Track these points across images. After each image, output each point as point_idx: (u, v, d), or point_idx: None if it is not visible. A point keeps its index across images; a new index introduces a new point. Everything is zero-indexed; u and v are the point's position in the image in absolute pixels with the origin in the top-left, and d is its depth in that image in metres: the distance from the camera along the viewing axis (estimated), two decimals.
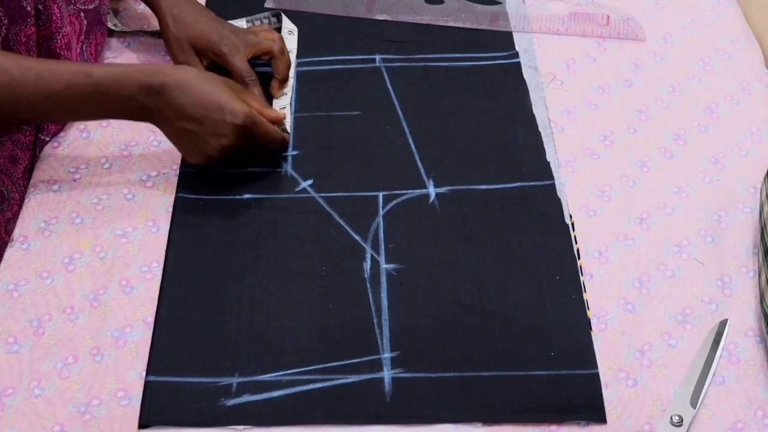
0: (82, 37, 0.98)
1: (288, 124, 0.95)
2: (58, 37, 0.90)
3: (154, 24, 1.03)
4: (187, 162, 0.93)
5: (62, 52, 0.91)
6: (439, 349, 0.79)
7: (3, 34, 0.86)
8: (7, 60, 0.82)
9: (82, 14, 0.97)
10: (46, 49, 0.90)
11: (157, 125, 0.87)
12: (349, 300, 0.83)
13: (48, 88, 0.82)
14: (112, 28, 1.06)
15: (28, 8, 0.86)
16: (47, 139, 0.95)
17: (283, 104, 0.97)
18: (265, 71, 1.00)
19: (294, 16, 1.07)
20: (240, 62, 0.96)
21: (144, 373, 0.77)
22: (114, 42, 1.06)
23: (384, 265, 0.85)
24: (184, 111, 0.85)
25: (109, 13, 1.04)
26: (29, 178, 0.94)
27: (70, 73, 0.83)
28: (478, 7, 1.12)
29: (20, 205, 0.93)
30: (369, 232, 0.88)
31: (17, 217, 0.92)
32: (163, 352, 0.79)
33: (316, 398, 0.76)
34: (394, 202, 0.91)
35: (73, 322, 0.81)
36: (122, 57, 1.04)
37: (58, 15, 0.89)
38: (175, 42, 0.97)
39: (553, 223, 0.89)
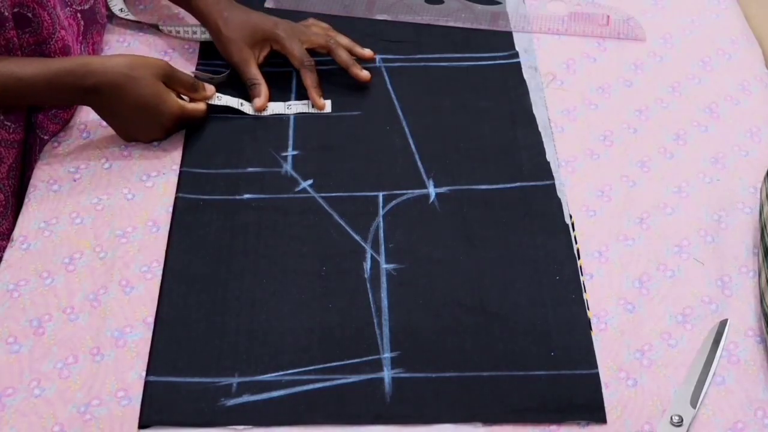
0: (80, 38, 0.98)
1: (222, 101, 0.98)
2: (51, 42, 0.90)
3: (161, 14, 1.03)
4: (188, 162, 0.93)
5: (58, 56, 0.91)
6: (439, 349, 0.79)
7: None
8: None
9: (78, 15, 0.97)
10: (41, 54, 0.90)
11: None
12: (349, 300, 0.83)
13: None
14: (117, 13, 1.06)
15: (6, 13, 0.86)
16: (47, 138, 0.95)
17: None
18: (275, 71, 1.00)
19: (294, 16, 1.07)
20: (297, 47, 1.00)
21: (144, 373, 0.77)
22: (114, 43, 1.06)
23: (384, 265, 0.85)
24: (117, 111, 0.91)
25: None
26: (20, 177, 0.94)
27: (3, 75, 0.85)
28: (478, 7, 1.12)
29: (5, 205, 0.93)
30: (369, 232, 0.88)
31: (3, 216, 0.92)
32: (163, 352, 0.79)
33: (316, 398, 0.76)
34: (394, 202, 0.91)
35: (73, 322, 0.81)
36: None
37: (49, 21, 0.89)
38: (231, 43, 0.99)
39: (553, 223, 0.89)
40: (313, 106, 0.99)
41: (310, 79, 0.99)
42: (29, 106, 0.94)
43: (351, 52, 1.02)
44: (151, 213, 0.89)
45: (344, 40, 1.03)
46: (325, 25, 1.05)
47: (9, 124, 0.92)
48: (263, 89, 0.98)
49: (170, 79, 0.92)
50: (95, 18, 1.01)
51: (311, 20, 1.06)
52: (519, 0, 1.13)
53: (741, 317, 0.82)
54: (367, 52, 1.03)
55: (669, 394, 0.77)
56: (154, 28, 1.07)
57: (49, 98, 0.90)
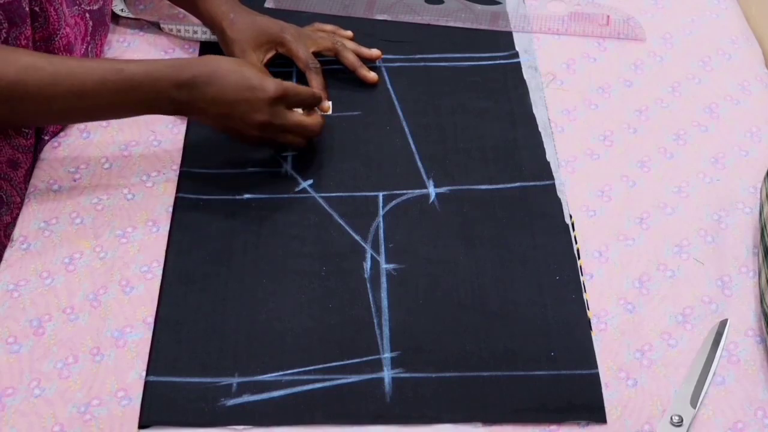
0: (88, 38, 0.98)
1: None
2: (56, 39, 0.91)
3: (161, 14, 1.03)
4: (188, 162, 0.93)
5: (61, 54, 0.92)
6: (439, 349, 0.79)
7: (3, 38, 0.86)
8: (39, 58, 0.83)
9: (87, 15, 0.97)
10: (45, 50, 0.90)
11: (193, 117, 0.89)
12: (349, 300, 0.83)
13: (81, 84, 0.82)
14: (119, 13, 1.06)
15: (27, 9, 0.86)
16: (47, 138, 0.95)
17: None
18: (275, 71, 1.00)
19: (294, 16, 1.07)
20: (303, 49, 0.99)
21: (144, 373, 0.77)
22: (114, 43, 1.06)
23: (384, 265, 0.85)
24: (216, 99, 0.86)
25: None
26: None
27: (102, 69, 0.83)
28: (478, 7, 1.12)
29: (21, 208, 0.93)
30: (369, 232, 0.88)
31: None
32: (163, 352, 0.79)
33: (316, 398, 0.76)
34: (394, 202, 0.91)
35: (73, 322, 0.81)
36: (122, 58, 1.04)
37: (55, 17, 0.89)
38: (235, 45, 0.99)
39: (553, 223, 0.89)
40: None
41: (315, 82, 0.99)
42: (105, 114, 0.90)
43: (357, 54, 1.02)
44: (151, 213, 0.89)
45: (350, 43, 1.03)
46: (330, 27, 1.05)
47: (26, 131, 0.92)
48: None
49: (286, 93, 0.89)
50: (104, 20, 1.01)
51: (317, 24, 1.06)
52: (519, 0, 1.13)
53: (741, 317, 0.82)
54: (374, 52, 1.03)
55: (669, 394, 0.77)
56: (155, 27, 1.07)
57: (141, 97, 0.85)
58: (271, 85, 0.87)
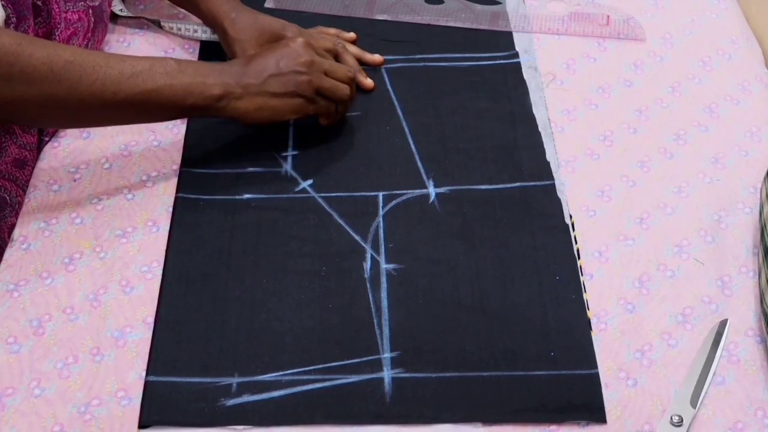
0: (89, 34, 0.98)
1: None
2: (56, 33, 0.91)
3: (161, 14, 1.03)
4: (188, 162, 0.93)
5: None
6: (439, 349, 0.79)
7: None
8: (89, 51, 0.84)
9: (90, 11, 0.97)
10: None
11: (240, 108, 0.88)
12: (349, 300, 0.83)
13: (132, 67, 0.83)
14: (118, 12, 1.06)
15: (30, 2, 0.86)
16: (47, 139, 0.95)
17: None
18: None
19: (294, 16, 1.07)
20: None
21: (144, 373, 0.77)
22: (114, 43, 1.06)
23: (384, 265, 0.85)
24: (261, 67, 0.89)
25: None
26: None
27: (149, 57, 0.86)
28: (478, 7, 1.13)
29: None
30: (369, 232, 0.88)
31: None
32: (163, 352, 0.79)
33: (316, 398, 0.76)
34: (394, 202, 0.91)
35: (73, 322, 0.81)
36: None
37: (57, 11, 0.90)
38: (236, 44, 0.98)
39: (553, 223, 0.89)
40: None
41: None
42: (151, 108, 0.87)
43: (359, 59, 1.03)
44: (151, 213, 0.89)
45: (352, 47, 1.04)
46: (333, 30, 1.06)
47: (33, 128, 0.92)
48: None
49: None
50: (102, 17, 1.01)
51: (320, 28, 1.06)
52: (519, 0, 1.13)
53: (741, 317, 0.82)
54: (377, 57, 1.04)
55: (669, 394, 0.77)
56: (155, 25, 1.07)
57: (189, 81, 0.85)
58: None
